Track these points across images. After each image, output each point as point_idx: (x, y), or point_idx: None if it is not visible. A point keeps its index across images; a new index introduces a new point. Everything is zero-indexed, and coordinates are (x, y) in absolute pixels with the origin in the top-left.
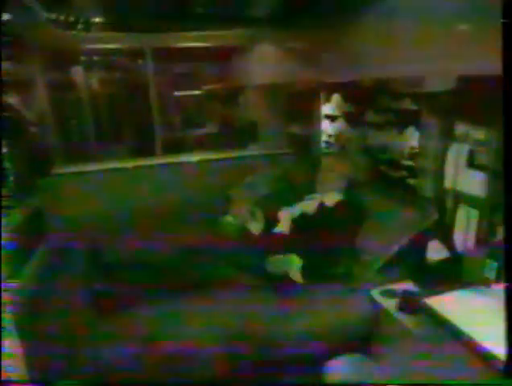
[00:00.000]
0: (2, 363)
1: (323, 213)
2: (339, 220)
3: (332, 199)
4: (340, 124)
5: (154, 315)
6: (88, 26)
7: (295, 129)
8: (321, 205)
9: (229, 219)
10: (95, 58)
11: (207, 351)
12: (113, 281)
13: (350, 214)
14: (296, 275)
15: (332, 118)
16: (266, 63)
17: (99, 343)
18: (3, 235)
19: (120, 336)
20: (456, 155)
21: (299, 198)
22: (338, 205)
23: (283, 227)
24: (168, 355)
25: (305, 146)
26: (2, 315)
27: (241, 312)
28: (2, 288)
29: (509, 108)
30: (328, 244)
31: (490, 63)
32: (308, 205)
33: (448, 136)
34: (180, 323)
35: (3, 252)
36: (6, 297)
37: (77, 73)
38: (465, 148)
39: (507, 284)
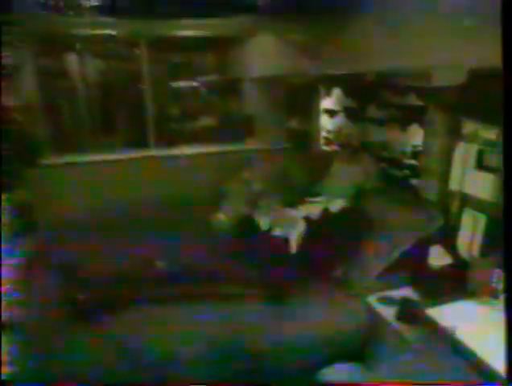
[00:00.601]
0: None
1: (327, 219)
2: (343, 227)
3: (337, 205)
4: (340, 119)
5: (137, 323)
6: (79, 10)
7: (294, 123)
8: (326, 211)
9: (221, 216)
10: (88, 45)
11: (191, 360)
12: (92, 292)
13: (355, 221)
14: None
15: (331, 113)
16: (265, 54)
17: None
18: None
19: (99, 344)
20: (463, 155)
21: (298, 197)
22: (344, 212)
23: (285, 229)
24: (149, 363)
25: (304, 142)
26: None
27: (231, 321)
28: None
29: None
30: (329, 249)
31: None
32: (312, 209)
33: (456, 134)
34: (163, 332)
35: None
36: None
37: (69, 60)
38: (474, 148)
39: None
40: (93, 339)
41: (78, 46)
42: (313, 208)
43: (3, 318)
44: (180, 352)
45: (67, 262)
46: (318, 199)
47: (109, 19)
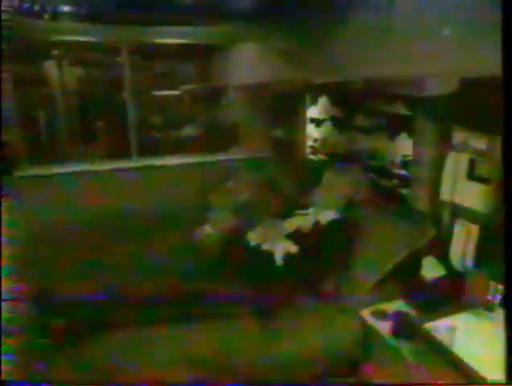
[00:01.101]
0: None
1: (318, 232)
2: (334, 240)
3: (327, 217)
4: (326, 128)
5: (119, 344)
6: (56, 15)
7: (279, 132)
8: (317, 223)
9: (207, 229)
10: (67, 52)
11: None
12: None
13: (346, 233)
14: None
15: (317, 122)
16: (249, 62)
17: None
18: None
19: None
20: (454, 165)
21: (287, 209)
22: (334, 224)
23: (272, 244)
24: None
25: (289, 151)
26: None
27: (220, 339)
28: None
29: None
30: (320, 262)
31: (493, 65)
32: (302, 221)
33: (446, 144)
34: (148, 351)
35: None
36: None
37: (47, 67)
38: (465, 157)
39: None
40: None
41: (56, 52)
42: (303, 220)
43: None
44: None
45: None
46: (307, 210)
47: (89, 25)
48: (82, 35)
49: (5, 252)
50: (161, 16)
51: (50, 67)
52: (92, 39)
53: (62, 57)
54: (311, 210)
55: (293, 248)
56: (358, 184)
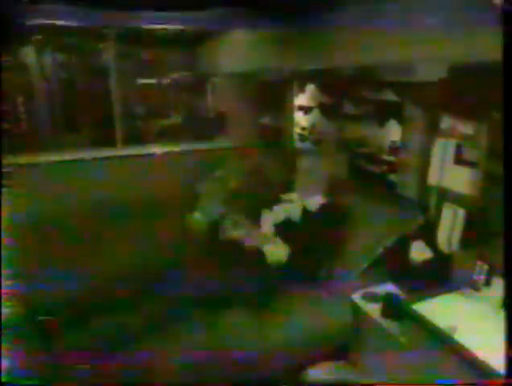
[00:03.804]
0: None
1: (308, 219)
2: (324, 225)
3: (314, 202)
4: (314, 116)
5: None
6: None
7: (267, 120)
8: (305, 211)
9: (196, 215)
10: (49, 37)
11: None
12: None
13: (335, 218)
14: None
15: (305, 110)
16: (237, 49)
17: None
18: None
19: None
20: (441, 151)
21: (275, 196)
22: (322, 209)
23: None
24: None
25: (277, 139)
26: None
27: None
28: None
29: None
30: (312, 248)
31: (482, 51)
32: (291, 210)
33: (434, 130)
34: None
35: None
36: None
37: (27, 53)
38: (452, 143)
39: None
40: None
41: (36, 37)
42: (291, 209)
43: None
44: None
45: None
46: (292, 195)
47: (72, 8)
48: (63, 19)
49: None
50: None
51: (30, 53)
52: (75, 24)
53: (43, 42)
54: (295, 195)
55: (281, 250)
56: (335, 164)
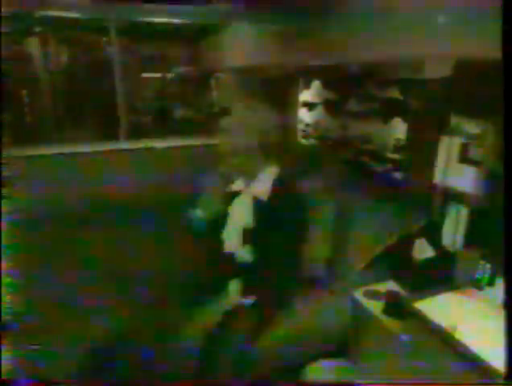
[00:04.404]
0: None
1: (261, 215)
2: (280, 218)
3: (263, 187)
4: (318, 112)
5: None
6: None
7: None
8: (256, 200)
9: (198, 212)
10: (53, 30)
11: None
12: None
13: (289, 206)
14: None
15: (310, 106)
16: (241, 44)
17: None
18: None
19: None
20: (447, 149)
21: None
22: (274, 196)
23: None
24: None
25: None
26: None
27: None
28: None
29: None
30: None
31: (489, 47)
32: (240, 204)
33: (440, 128)
34: None
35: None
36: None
37: (31, 45)
38: (457, 141)
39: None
40: None
41: (41, 29)
42: (240, 202)
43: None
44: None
45: None
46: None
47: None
48: (68, 11)
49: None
50: None
51: (35, 45)
52: (80, 16)
53: (47, 34)
54: (240, 184)
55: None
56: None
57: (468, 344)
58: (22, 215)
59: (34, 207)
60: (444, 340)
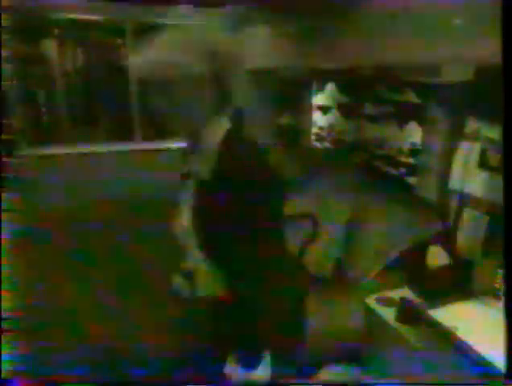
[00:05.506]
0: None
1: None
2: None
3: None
4: (332, 115)
5: None
6: None
7: (284, 119)
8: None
9: None
10: (69, 31)
11: None
12: None
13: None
14: None
15: (324, 109)
16: (255, 46)
17: None
18: None
19: None
20: (465, 154)
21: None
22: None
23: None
24: None
25: (294, 138)
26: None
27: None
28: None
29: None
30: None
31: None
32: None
33: (458, 133)
34: None
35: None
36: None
37: (48, 47)
38: (476, 147)
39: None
40: None
41: (57, 31)
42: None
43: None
44: None
45: None
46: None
47: (93, 3)
48: (85, 13)
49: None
50: None
51: (51, 47)
52: (95, 18)
53: (63, 36)
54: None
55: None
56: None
57: (482, 353)
58: (34, 215)
59: (46, 205)
60: (458, 349)
